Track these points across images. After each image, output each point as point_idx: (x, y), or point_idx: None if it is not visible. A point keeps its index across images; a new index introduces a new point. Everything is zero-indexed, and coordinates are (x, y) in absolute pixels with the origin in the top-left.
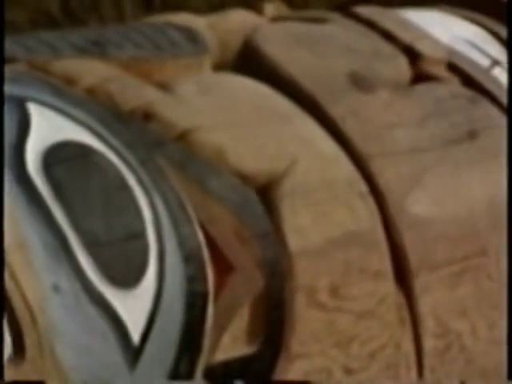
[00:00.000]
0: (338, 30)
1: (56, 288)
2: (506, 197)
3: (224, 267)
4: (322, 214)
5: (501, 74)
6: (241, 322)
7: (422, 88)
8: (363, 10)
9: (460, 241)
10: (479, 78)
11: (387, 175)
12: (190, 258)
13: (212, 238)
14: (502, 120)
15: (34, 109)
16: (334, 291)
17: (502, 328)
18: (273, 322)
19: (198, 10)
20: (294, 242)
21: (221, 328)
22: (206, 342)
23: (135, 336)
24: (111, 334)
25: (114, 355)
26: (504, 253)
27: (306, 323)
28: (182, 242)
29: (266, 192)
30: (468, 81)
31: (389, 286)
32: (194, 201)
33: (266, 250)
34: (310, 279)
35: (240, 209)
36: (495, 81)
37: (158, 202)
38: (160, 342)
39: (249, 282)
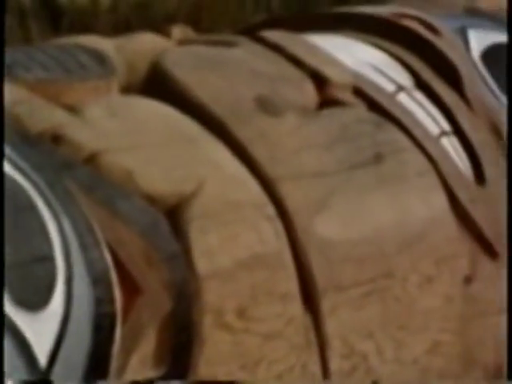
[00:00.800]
0: (246, 54)
1: None
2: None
3: (132, 289)
4: (230, 236)
5: (405, 100)
6: (148, 344)
7: (328, 112)
8: (270, 35)
9: (366, 262)
10: (384, 103)
11: (294, 198)
12: (98, 281)
13: (120, 261)
14: (408, 144)
15: None
16: (242, 313)
17: (410, 348)
18: (180, 345)
19: (105, 32)
20: (202, 265)
21: (128, 350)
22: (114, 364)
23: (42, 359)
24: (18, 356)
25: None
26: (411, 274)
27: (214, 345)
28: (90, 265)
29: (175, 214)
30: (373, 106)
31: (296, 308)
32: (103, 223)
33: (174, 272)
34: (218, 301)
35: (148, 231)
36: (400, 106)
37: (66, 225)
38: (67, 365)
39: (156, 304)
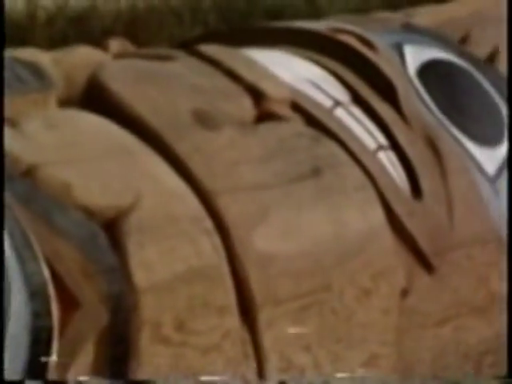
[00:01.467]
0: (183, 68)
1: None
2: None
3: (69, 303)
4: (168, 249)
5: (342, 114)
6: (86, 357)
7: (266, 127)
8: (207, 49)
9: (304, 276)
10: (322, 117)
11: (232, 212)
12: (36, 295)
13: (58, 274)
14: (345, 158)
15: None
16: (179, 326)
17: (347, 361)
18: (118, 358)
19: (42, 46)
20: (139, 277)
21: (66, 363)
22: (51, 377)
23: None
24: None
25: None
26: (348, 288)
27: (151, 358)
28: (27, 279)
29: (113, 227)
30: (311, 120)
31: (233, 321)
32: (40, 237)
33: (112, 285)
34: (156, 314)
35: (86, 244)
36: (337, 121)
37: (3, 239)
38: (6, 377)
39: (94, 317)
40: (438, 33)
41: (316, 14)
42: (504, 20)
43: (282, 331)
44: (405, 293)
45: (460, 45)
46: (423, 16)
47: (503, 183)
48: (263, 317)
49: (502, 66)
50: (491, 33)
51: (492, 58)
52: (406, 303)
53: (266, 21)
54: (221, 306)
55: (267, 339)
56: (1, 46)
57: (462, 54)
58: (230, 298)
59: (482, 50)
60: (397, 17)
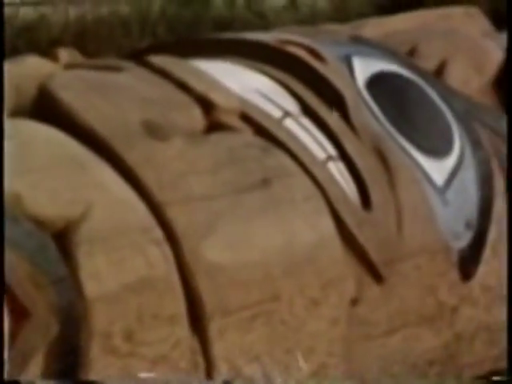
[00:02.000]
0: (133, 78)
1: None
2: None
3: (20, 313)
4: (118, 259)
5: (292, 125)
6: (36, 367)
7: (215, 137)
8: (156, 60)
9: (253, 286)
10: (271, 128)
11: (182, 222)
12: None
13: (8, 285)
14: (295, 169)
15: None
16: (129, 336)
17: (297, 370)
18: (68, 368)
19: None
20: (89, 288)
21: (16, 373)
22: None
23: None
24: None
25: None
26: (297, 297)
27: (101, 369)
28: None
29: (63, 237)
30: (260, 131)
31: (183, 331)
32: None
33: (62, 295)
34: (105, 324)
35: (35, 255)
36: (287, 131)
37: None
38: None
39: (44, 327)
40: (385, 45)
41: (264, 26)
42: (453, 33)
43: (231, 341)
44: (354, 302)
45: (408, 57)
46: (371, 28)
47: (452, 194)
48: (213, 326)
49: (450, 78)
50: (439, 46)
51: (440, 70)
52: (355, 313)
53: (215, 32)
54: (171, 316)
55: (217, 349)
56: (1, 46)
57: (410, 66)
58: (180, 308)
59: (429, 63)
60: (345, 29)
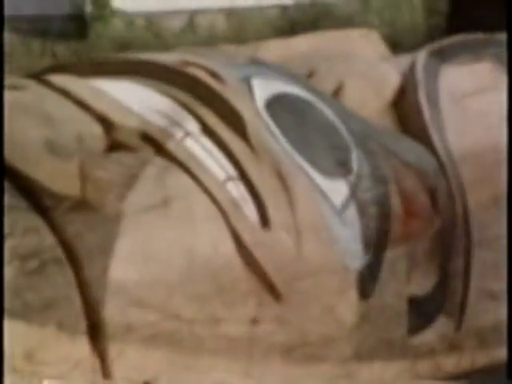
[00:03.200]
0: (34, 97)
1: None
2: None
3: None
4: None
5: (192, 145)
6: None
7: (116, 156)
8: (57, 79)
9: (153, 305)
10: (171, 147)
11: (84, 241)
12: None
13: None
14: (195, 188)
15: None
16: (29, 356)
17: None
18: None
19: None
20: None
21: None
22: None
23: None
24: None
25: None
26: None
27: None
28: None
29: None
30: (161, 150)
31: (84, 350)
32: None
33: None
34: (7, 344)
35: None
36: (187, 151)
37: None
38: None
39: None
40: (284, 67)
41: (163, 46)
42: (351, 56)
43: (131, 360)
44: (254, 321)
45: (306, 79)
46: (270, 50)
47: (350, 214)
48: (113, 346)
49: (347, 100)
50: (336, 68)
51: (337, 92)
52: (256, 331)
53: (114, 52)
54: (72, 336)
55: (117, 368)
56: (0, 46)
57: (308, 88)
58: (81, 326)
59: (327, 85)
60: (244, 50)
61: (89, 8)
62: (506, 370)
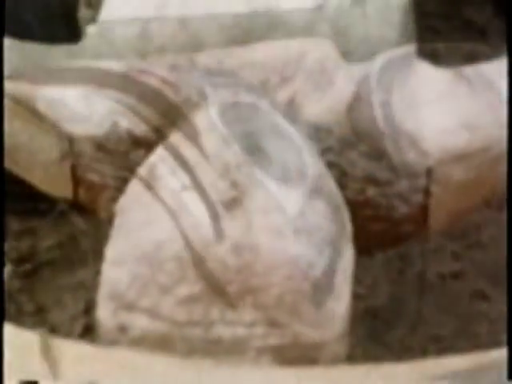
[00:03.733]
0: None
1: None
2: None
3: None
4: None
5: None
6: None
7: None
8: (9, 86)
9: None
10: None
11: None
12: None
13: None
14: (149, 198)
15: None
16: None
17: None
18: None
19: None
20: None
21: None
22: None
23: None
24: None
25: None
26: None
27: None
28: None
29: None
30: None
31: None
32: None
33: None
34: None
35: None
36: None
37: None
38: None
39: None
40: (238, 75)
41: (116, 55)
42: (304, 64)
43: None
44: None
45: (260, 87)
46: (224, 58)
47: (305, 223)
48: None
49: (301, 108)
50: (290, 77)
51: (291, 101)
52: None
53: (67, 60)
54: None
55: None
56: (0, 51)
57: (262, 96)
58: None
59: (281, 94)
60: (198, 59)
61: None
62: (507, 370)
